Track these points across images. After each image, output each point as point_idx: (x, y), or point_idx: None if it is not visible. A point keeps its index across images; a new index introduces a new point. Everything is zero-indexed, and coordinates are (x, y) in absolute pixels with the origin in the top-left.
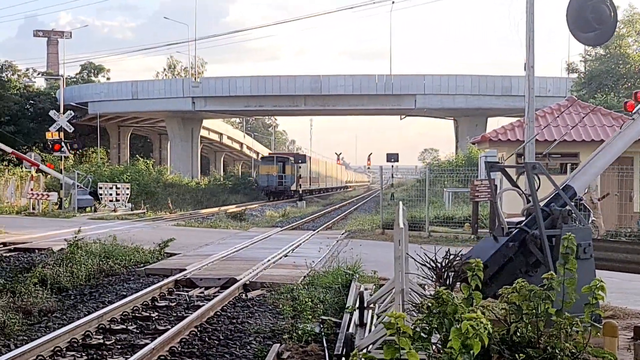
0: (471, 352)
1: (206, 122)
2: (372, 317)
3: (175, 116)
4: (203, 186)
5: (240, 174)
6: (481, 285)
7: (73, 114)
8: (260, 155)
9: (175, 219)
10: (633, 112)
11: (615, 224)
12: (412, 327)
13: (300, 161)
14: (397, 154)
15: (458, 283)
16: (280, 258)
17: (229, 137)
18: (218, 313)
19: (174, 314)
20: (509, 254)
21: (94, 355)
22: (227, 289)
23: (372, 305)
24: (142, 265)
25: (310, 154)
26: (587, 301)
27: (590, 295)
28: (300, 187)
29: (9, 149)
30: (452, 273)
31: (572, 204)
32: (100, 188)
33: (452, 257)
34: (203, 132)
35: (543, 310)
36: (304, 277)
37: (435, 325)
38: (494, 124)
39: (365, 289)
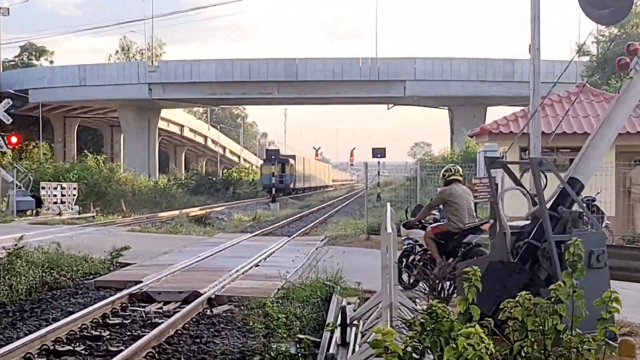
0: None
1: (165, 113)
2: (356, 335)
3: (129, 105)
4: (162, 186)
5: (204, 171)
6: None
7: (11, 102)
8: (227, 150)
9: (130, 224)
10: (630, 69)
11: (632, 227)
12: (402, 346)
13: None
14: (384, 149)
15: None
16: (251, 268)
17: (191, 130)
18: (179, 331)
19: (129, 333)
20: (523, 280)
21: None
22: (190, 304)
23: (355, 322)
24: (91, 277)
25: (284, 148)
26: (601, 316)
27: (604, 309)
28: (295, 185)
29: None
30: (448, 284)
31: (581, 201)
32: (43, 188)
33: (446, 265)
34: (161, 124)
35: (551, 326)
36: (278, 289)
37: (429, 344)
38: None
39: (348, 303)
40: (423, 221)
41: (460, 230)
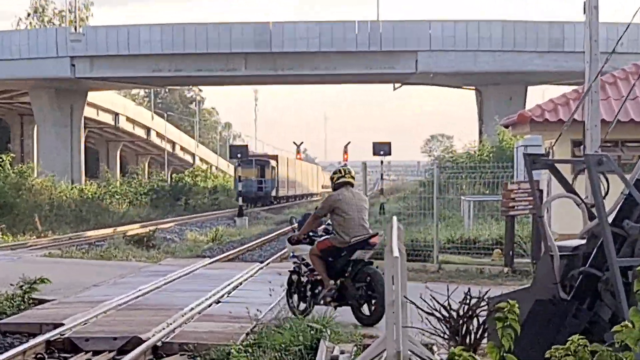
0: None
1: (94, 97)
2: None
3: (45, 87)
4: (90, 195)
5: (147, 174)
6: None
7: None
8: (177, 147)
9: (47, 246)
10: None
11: None
12: None
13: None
14: (389, 144)
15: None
16: (210, 306)
17: (129, 119)
18: None
19: None
20: (582, 325)
21: None
22: (128, 355)
23: None
24: None
25: (255, 144)
26: None
27: None
28: (278, 193)
29: None
30: (475, 326)
31: None
32: None
33: (474, 301)
34: (89, 112)
35: None
36: (247, 334)
37: None
38: (538, 96)
39: (342, 352)
40: (312, 234)
41: (347, 245)
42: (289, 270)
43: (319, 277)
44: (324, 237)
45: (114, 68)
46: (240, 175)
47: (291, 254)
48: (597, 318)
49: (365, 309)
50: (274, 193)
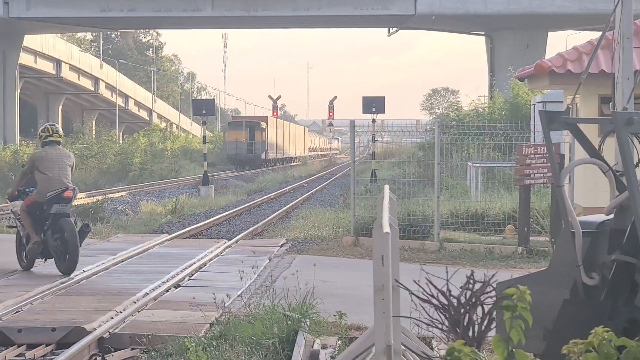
0: None
1: (30, 41)
2: None
3: None
4: (24, 157)
5: (94, 134)
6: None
7: None
8: (131, 101)
9: None
10: None
11: None
12: None
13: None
14: (383, 99)
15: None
16: (168, 290)
17: (73, 68)
18: None
19: None
20: (621, 325)
21: None
22: (69, 349)
23: None
24: None
25: (222, 97)
26: None
27: None
28: (268, 156)
29: None
30: (479, 316)
31: None
32: None
33: (478, 285)
34: (25, 59)
35: None
36: (211, 324)
37: None
38: (559, 43)
39: (323, 347)
40: (27, 190)
41: (46, 200)
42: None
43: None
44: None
45: (55, 7)
46: (228, 137)
47: (11, 211)
48: (638, 314)
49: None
50: (263, 156)
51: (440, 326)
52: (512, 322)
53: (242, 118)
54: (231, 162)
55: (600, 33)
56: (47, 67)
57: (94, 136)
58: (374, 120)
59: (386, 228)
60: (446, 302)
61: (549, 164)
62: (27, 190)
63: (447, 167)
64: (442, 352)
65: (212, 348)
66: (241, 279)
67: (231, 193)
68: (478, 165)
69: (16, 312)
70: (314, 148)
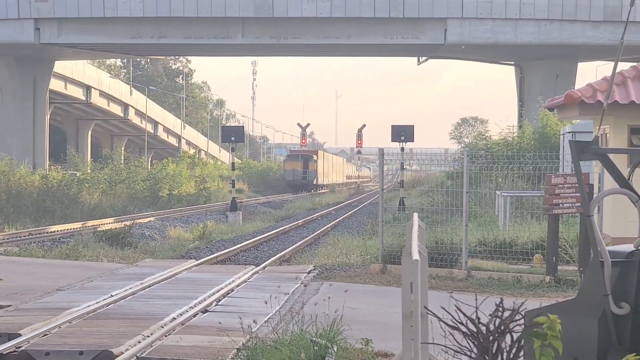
0: None
1: (61, 67)
2: None
3: (3, 53)
4: (54, 183)
5: (123, 159)
6: None
7: None
8: (160, 127)
9: (2, 242)
10: None
11: None
12: None
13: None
14: (412, 128)
15: None
16: (196, 315)
17: (102, 94)
18: None
19: None
20: None
21: None
22: None
23: None
24: None
25: (251, 124)
26: None
27: None
28: (318, 182)
29: None
30: (508, 343)
31: None
32: None
33: (507, 313)
34: (55, 84)
35: None
36: (238, 349)
37: None
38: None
39: None
40: None
41: None
42: None
43: None
44: None
45: (86, 33)
46: (287, 166)
47: None
48: None
49: None
50: (314, 182)
51: (468, 353)
52: (542, 350)
53: (298, 152)
54: (289, 187)
55: (632, 64)
56: (77, 92)
57: (122, 162)
58: (402, 149)
59: (415, 255)
60: (475, 330)
61: (578, 194)
62: None
63: (476, 196)
64: None
65: None
66: (265, 303)
67: (259, 220)
68: (506, 194)
69: (44, 336)
70: (350, 176)
